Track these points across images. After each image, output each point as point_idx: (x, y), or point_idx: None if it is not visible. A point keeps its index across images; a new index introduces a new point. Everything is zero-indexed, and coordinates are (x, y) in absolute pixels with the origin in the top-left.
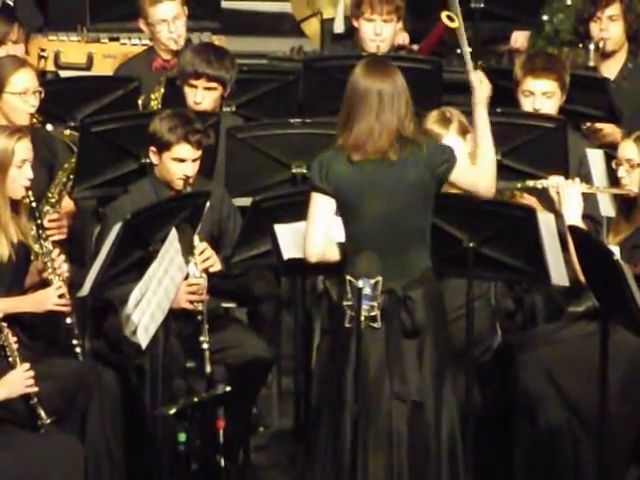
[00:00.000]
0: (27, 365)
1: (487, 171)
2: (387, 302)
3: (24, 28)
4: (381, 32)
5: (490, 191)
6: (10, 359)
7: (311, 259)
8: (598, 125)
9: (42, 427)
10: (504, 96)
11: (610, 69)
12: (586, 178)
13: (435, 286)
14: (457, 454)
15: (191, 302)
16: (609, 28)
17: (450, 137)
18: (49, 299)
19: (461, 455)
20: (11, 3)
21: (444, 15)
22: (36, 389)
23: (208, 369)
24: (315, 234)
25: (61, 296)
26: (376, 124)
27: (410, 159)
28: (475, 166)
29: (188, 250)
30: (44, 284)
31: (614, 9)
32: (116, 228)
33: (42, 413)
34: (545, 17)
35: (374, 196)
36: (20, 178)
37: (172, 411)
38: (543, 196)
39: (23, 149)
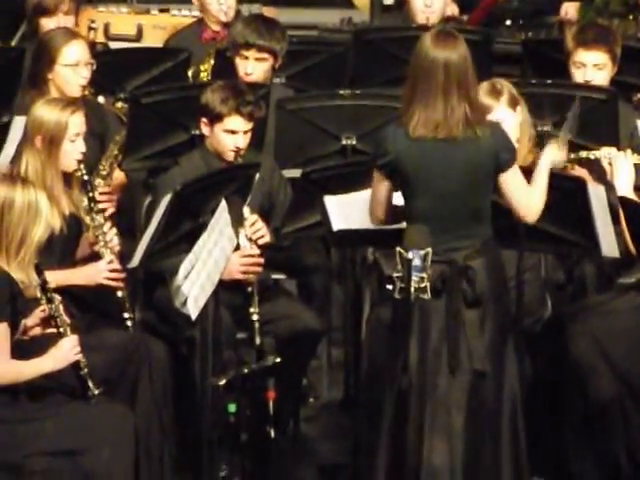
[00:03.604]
0: (74, 337)
1: (534, 199)
2: (448, 272)
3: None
4: (431, 4)
5: (528, 218)
6: (61, 330)
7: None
8: None
9: (92, 397)
10: (555, 67)
11: None
12: (638, 149)
13: (496, 256)
14: (518, 422)
15: (243, 273)
16: None
17: (500, 108)
18: (100, 273)
19: (522, 424)
20: None
21: None
22: (83, 359)
23: (258, 340)
24: (376, 207)
25: (112, 270)
26: (442, 103)
27: (474, 140)
28: (529, 187)
29: (238, 221)
30: (95, 257)
31: None
32: (166, 199)
33: (91, 384)
34: None
35: (435, 174)
36: (73, 152)
37: (222, 382)
38: (594, 167)
39: (77, 123)
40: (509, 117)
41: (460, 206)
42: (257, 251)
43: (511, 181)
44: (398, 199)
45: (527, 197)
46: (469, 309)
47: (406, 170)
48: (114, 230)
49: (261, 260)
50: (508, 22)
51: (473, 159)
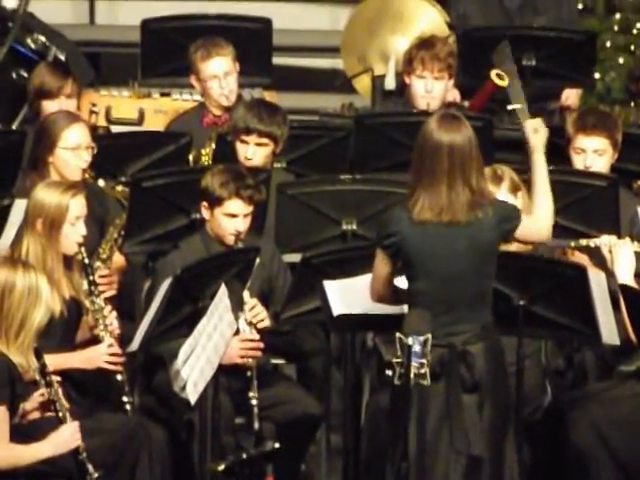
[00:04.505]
0: (75, 423)
1: (543, 218)
2: (447, 356)
3: (78, 83)
4: (432, 89)
5: (544, 237)
6: (60, 414)
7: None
8: None
9: None
10: (556, 154)
11: None
12: (638, 237)
13: (496, 341)
14: None
15: (242, 357)
16: None
17: (501, 195)
18: (100, 357)
19: None
20: (63, 57)
21: (494, 73)
22: (83, 444)
23: (257, 425)
24: (377, 285)
25: (112, 354)
26: (446, 188)
27: (478, 222)
28: (530, 215)
29: (238, 306)
30: (95, 340)
31: None
32: (166, 283)
33: (90, 468)
34: (597, 75)
35: (438, 257)
36: (74, 234)
37: (221, 467)
38: (594, 254)
39: (77, 206)
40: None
41: (462, 289)
42: (256, 335)
43: (518, 233)
44: (400, 282)
45: (535, 226)
46: (467, 394)
47: (409, 253)
48: (114, 313)
49: (260, 345)
50: (509, 107)
51: (477, 241)
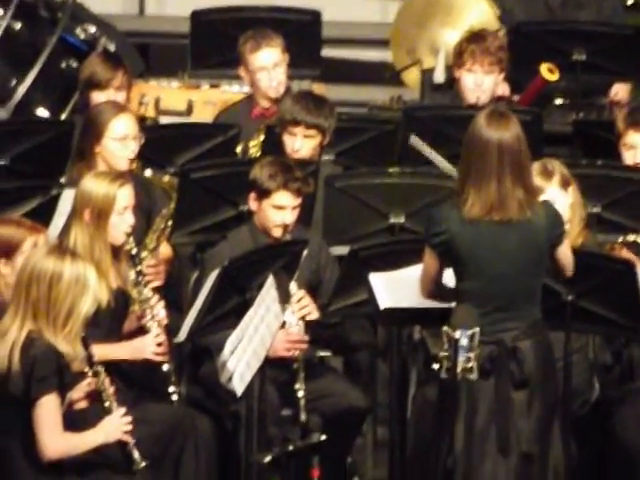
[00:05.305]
0: (123, 410)
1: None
2: (496, 353)
3: (129, 75)
4: (482, 83)
5: (570, 274)
6: (107, 404)
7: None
8: None
9: (137, 472)
10: (605, 148)
11: None
12: None
13: (545, 337)
14: None
15: (288, 350)
16: None
17: (552, 189)
18: (147, 348)
19: None
20: (112, 48)
21: (544, 67)
22: (131, 435)
23: (303, 417)
24: (427, 282)
25: (159, 344)
26: (496, 185)
27: (529, 221)
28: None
29: (285, 298)
30: (142, 331)
31: None
32: (213, 275)
33: (137, 457)
34: None
35: (488, 256)
36: (121, 225)
37: (267, 459)
38: None
39: (125, 196)
40: (561, 198)
41: (511, 287)
42: (302, 328)
43: (563, 252)
44: (449, 279)
45: (570, 262)
46: (517, 390)
47: (459, 251)
48: (161, 303)
49: (306, 338)
50: (558, 101)
51: (527, 241)
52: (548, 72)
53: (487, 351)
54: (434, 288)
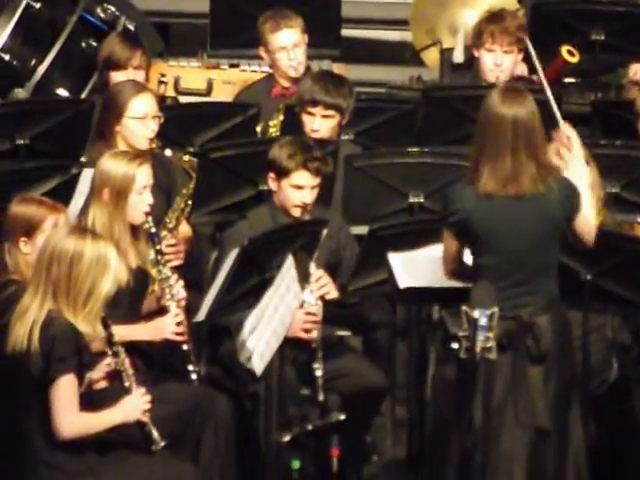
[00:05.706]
0: (143, 390)
1: (592, 227)
2: (514, 328)
3: (147, 55)
4: (501, 63)
5: (590, 244)
6: (126, 384)
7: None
8: None
9: (156, 451)
10: (624, 128)
11: None
12: None
13: (562, 313)
14: None
15: (306, 331)
16: None
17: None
18: (166, 328)
19: None
20: (132, 28)
21: (564, 49)
22: (151, 414)
23: (322, 397)
24: (448, 262)
25: (178, 324)
26: (511, 160)
27: (543, 195)
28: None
29: (304, 277)
30: (162, 310)
31: None
32: (233, 254)
33: (156, 437)
34: None
35: (504, 231)
36: (140, 204)
37: (286, 438)
38: None
39: (144, 175)
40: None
41: (528, 262)
42: (319, 307)
43: (581, 224)
44: (469, 257)
45: (587, 225)
46: (533, 365)
47: (475, 228)
48: (181, 282)
49: (319, 318)
50: (575, 80)
51: (542, 214)
52: (568, 54)
53: (504, 327)
54: (456, 267)
